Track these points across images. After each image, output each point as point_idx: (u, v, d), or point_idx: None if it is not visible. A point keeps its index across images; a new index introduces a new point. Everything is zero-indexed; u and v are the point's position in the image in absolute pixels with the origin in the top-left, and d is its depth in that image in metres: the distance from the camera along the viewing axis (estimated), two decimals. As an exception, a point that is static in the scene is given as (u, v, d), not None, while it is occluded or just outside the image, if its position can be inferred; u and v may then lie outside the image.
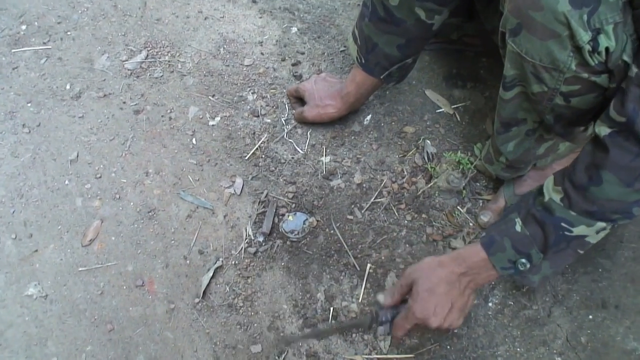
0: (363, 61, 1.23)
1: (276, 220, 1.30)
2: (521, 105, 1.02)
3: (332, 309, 1.20)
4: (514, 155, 1.14)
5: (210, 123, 1.45)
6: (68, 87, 1.51)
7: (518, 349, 1.15)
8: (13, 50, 1.56)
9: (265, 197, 1.34)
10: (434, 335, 1.17)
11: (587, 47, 0.80)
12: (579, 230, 0.86)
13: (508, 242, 0.90)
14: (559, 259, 0.92)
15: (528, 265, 0.90)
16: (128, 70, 1.54)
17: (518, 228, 0.90)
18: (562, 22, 0.80)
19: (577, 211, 0.84)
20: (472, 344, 1.16)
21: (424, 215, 1.29)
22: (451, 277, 0.96)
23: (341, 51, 1.57)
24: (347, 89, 1.31)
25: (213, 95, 1.49)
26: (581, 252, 0.91)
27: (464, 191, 1.31)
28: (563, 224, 0.86)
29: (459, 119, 1.44)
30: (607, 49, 0.80)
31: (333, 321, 1.19)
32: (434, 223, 1.28)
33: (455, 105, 1.46)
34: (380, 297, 1.04)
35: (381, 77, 1.25)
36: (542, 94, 0.92)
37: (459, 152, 1.36)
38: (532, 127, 1.06)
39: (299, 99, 1.45)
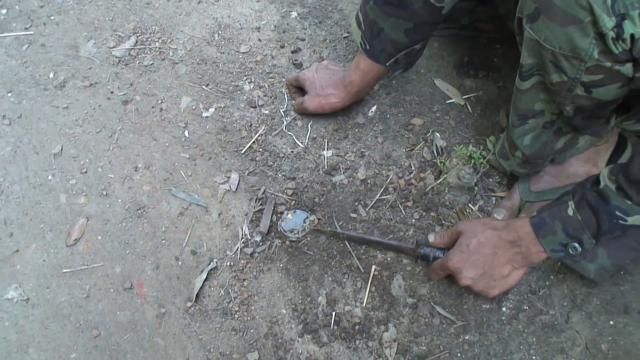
0: (368, 47, 1.22)
1: (274, 218, 1.30)
2: (539, 96, 1.01)
3: (334, 313, 1.19)
4: (531, 150, 1.13)
5: (204, 114, 1.44)
6: (51, 75, 1.50)
7: (534, 357, 1.14)
8: (-8, 36, 1.56)
9: (263, 193, 1.33)
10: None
11: (611, 34, 0.79)
12: (634, 219, 0.87)
13: (559, 225, 0.94)
14: (617, 249, 0.96)
15: (579, 249, 0.94)
16: (116, 57, 1.53)
17: (570, 212, 0.93)
18: (584, 6, 0.79)
19: (634, 201, 0.86)
20: (484, 351, 1.15)
21: (432, 214, 1.29)
22: (498, 242, 1.02)
23: (344, 37, 1.56)
24: (350, 77, 1.30)
25: (207, 85, 1.49)
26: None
27: (476, 188, 1.31)
28: (617, 213, 0.88)
29: (470, 110, 1.43)
30: (632, 35, 0.79)
31: (378, 235, 1.26)
32: (443, 222, 1.28)
33: (466, 96, 1.45)
34: (431, 236, 1.17)
35: (387, 64, 1.24)
36: (561, 84, 0.91)
37: (471, 145, 1.35)
38: (550, 120, 1.05)
39: (299, 89, 1.44)
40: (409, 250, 1.21)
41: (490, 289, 1.07)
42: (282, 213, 1.30)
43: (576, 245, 0.94)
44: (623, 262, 1.12)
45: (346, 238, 1.26)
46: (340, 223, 1.28)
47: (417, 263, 1.22)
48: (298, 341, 1.18)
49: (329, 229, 1.27)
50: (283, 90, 1.48)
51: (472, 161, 1.31)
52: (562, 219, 0.94)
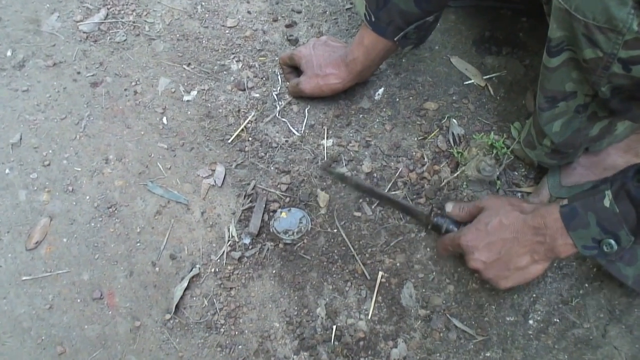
0: (373, 19, 1.21)
1: (266, 217, 1.29)
2: (570, 75, 1.00)
3: (335, 327, 1.18)
4: (561, 137, 1.12)
5: (185, 98, 1.43)
6: (9, 54, 1.49)
7: (565, 377, 1.14)
8: (-59, 9, 1.55)
9: (253, 189, 1.32)
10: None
11: None
12: None
13: (593, 218, 0.92)
14: None
15: (615, 247, 0.92)
16: (83, 33, 1.52)
17: (607, 203, 0.91)
18: None
19: None
20: (508, 370, 1.15)
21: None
22: (521, 227, 1.02)
23: (347, 9, 1.56)
24: (353, 54, 1.28)
25: (188, 64, 1.48)
26: None
27: (498, 182, 1.30)
28: None
29: (492, 92, 1.42)
30: None
31: (395, 194, 1.29)
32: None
33: (487, 76, 1.45)
34: (449, 205, 1.18)
35: (395, 39, 1.23)
36: (595, 61, 0.90)
37: (492, 133, 1.34)
38: (584, 102, 1.04)
39: (294, 69, 1.43)
40: (421, 216, 1.23)
41: (501, 279, 1.06)
42: (274, 212, 1.29)
43: (612, 242, 0.92)
44: None
45: (354, 185, 1.29)
46: (343, 223, 1.27)
47: (427, 231, 1.25)
48: (293, 359, 1.16)
49: (336, 170, 1.30)
50: (276, 71, 1.47)
51: (494, 151, 1.30)
52: (596, 210, 0.92)
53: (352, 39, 1.31)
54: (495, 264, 1.05)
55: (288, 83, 1.43)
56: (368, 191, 1.28)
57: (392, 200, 1.26)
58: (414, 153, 1.35)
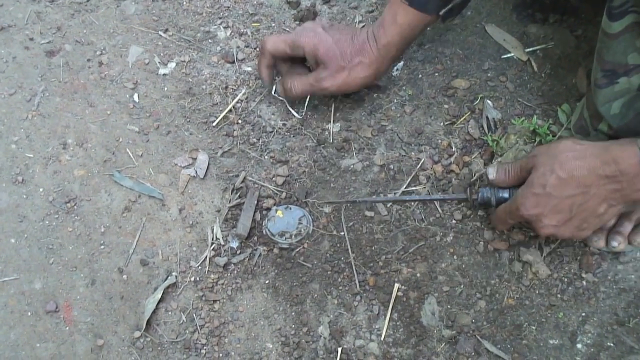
0: None
1: (258, 217, 1.31)
2: (634, 44, 1.01)
3: (340, 350, 1.20)
4: (621, 121, 1.12)
5: (161, 71, 1.46)
6: (-53, 14, 1.51)
7: (620, 414, 1.16)
8: None
9: (242, 182, 1.34)
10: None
11: None
12: None
13: None
14: None
15: None
16: (37, -10, 1.54)
17: None
18: None
19: None
20: (550, 405, 1.17)
21: (480, 213, 1.30)
22: (588, 178, 1.03)
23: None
24: (386, 36, 1.28)
25: (165, 30, 1.50)
26: None
27: (543, 177, 1.30)
28: None
29: (535, 69, 1.44)
30: None
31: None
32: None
33: (531, 49, 1.46)
34: (491, 171, 1.18)
35: (441, 13, 1.25)
36: None
37: (535, 117, 1.35)
38: None
39: (290, 61, 1.39)
40: (462, 201, 1.28)
41: (580, 231, 1.10)
42: (269, 210, 1.32)
43: None
44: None
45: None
46: (351, 224, 1.30)
47: (475, 210, 1.30)
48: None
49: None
50: (272, 39, 1.48)
51: (537, 139, 1.32)
52: None
53: (377, 19, 1.31)
54: (569, 224, 1.09)
55: (282, 80, 1.38)
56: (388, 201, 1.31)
57: (421, 200, 1.29)
58: (439, 141, 1.37)
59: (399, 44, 1.29)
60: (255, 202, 1.31)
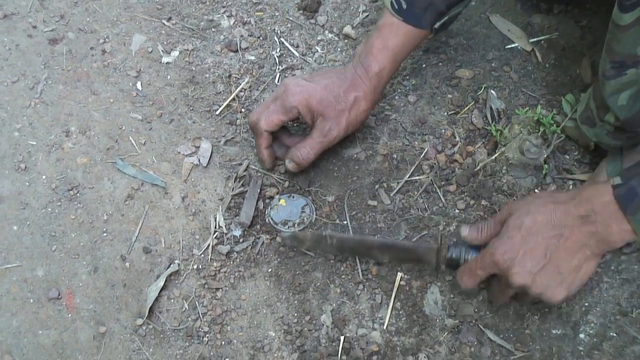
0: (404, 6, 1.22)
1: (261, 205, 1.31)
2: None
3: (342, 338, 1.20)
4: (629, 113, 1.11)
5: (164, 60, 1.46)
6: (-50, 2, 1.51)
7: (622, 404, 1.16)
8: None
9: (245, 171, 1.34)
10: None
11: None
12: None
13: None
14: None
15: None
16: (41, -22, 1.54)
17: None
18: None
19: None
20: (553, 394, 1.17)
21: (484, 202, 1.30)
22: (564, 218, 1.02)
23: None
24: (377, 64, 1.25)
25: (169, 19, 1.50)
26: None
27: (546, 166, 1.31)
28: None
29: (540, 59, 1.44)
30: None
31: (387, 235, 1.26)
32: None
33: (535, 39, 1.46)
34: (464, 230, 1.13)
35: (435, 26, 1.24)
36: None
37: (539, 107, 1.35)
38: None
39: (284, 130, 1.34)
40: (430, 254, 1.17)
41: (555, 289, 1.05)
42: (271, 198, 1.32)
43: None
44: None
45: (336, 245, 1.22)
46: (354, 213, 1.30)
47: (440, 272, 1.22)
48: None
49: (310, 230, 1.27)
50: (276, 29, 1.48)
51: (541, 129, 1.31)
52: None
53: (359, 47, 1.29)
54: (543, 272, 1.04)
55: (289, 157, 1.29)
56: (354, 246, 1.23)
57: (387, 245, 1.22)
58: (443, 131, 1.37)
59: (390, 69, 1.27)
60: (258, 190, 1.31)
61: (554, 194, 1.07)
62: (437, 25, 1.24)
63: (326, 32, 1.49)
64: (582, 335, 1.19)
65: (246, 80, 1.43)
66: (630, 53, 1.03)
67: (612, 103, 1.11)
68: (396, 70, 1.30)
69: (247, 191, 1.32)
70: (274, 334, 1.21)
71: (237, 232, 1.28)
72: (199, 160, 1.35)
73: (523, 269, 1.02)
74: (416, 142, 1.36)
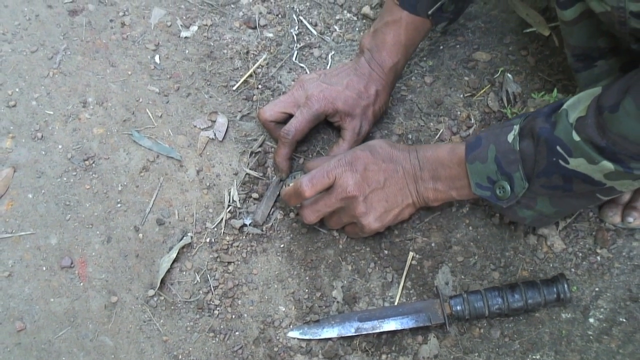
0: None
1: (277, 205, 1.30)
2: (598, 28, 1.01)
3: (352, 315, 1.19)
4: None
5: (183, 34, 1.44)
6: (-28, -30, 1.49)
7: (631, 389, 1.14)
8: None
9: (261, 146, 1.33)
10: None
11: None
12: (576, 163, 0.90)
13: (492, 151, 0.99)
14: (560, 199, 0.99)
15: (508, 193, 1.00)
16: (62, -51, 1.52)
17: (510, 138, 0.98)
18: None
19: (582, 137, 0.88)
20: (561, 378, 1.15)
21: (497, 185, 1.28)
22: (399, 155, 1.13)
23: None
24: (391, 58, 1.24)
25: (188, -7, 1.48)
26: (602, 198, 0.98)
27: (561, 151, 1.29)
28: (559, 148, 0.91)
29: (557, 44, 1.41)
30: None
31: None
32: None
33: (553, 24, 1.43)
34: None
35: (429, 13, 1.22)
36: (607, 15, 0.90)
37: (556, 91, 1.33)
38: (629, 60, 1.05)
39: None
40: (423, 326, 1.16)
41: (376, 218, 1.13)
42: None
43: (506, 185, 0.99)
44: (574, 210, 1.19)
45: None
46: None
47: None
48: (301, 351, 1.17)
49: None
50: (295, 7, 1.47)
51: (558, 113, 1.29)
52: (498, 143, 0.98)
53: (367, 41, 1.27)
54: (375, 194, 1.12)
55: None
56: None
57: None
58: (458, 112, 1.35)
59: (404, 62, 1.28)
60: (278, 193, 1.29)
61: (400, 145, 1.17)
62: (430, 12, 1.21)
63: (345, 11, 1.48)
64: (591, 320, 1.19)
65: (264, 57, 1.41)
66: (587, 46, 1.06)
67: None
68: (409, 53, 1.28)
69: (261, 166, 1.31)
70: (284, 309, 1.21)
71: (248, 221, 1.27)
72: (215, 135, 1.34)
73: (361, 184, 1.10)
74: (431, 123, 1.35)
